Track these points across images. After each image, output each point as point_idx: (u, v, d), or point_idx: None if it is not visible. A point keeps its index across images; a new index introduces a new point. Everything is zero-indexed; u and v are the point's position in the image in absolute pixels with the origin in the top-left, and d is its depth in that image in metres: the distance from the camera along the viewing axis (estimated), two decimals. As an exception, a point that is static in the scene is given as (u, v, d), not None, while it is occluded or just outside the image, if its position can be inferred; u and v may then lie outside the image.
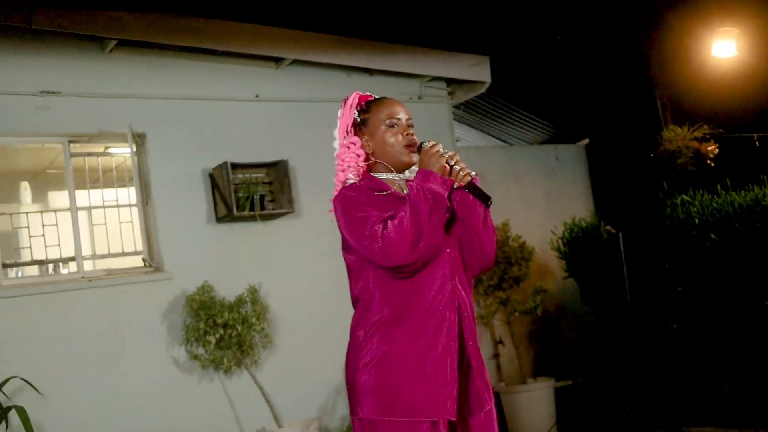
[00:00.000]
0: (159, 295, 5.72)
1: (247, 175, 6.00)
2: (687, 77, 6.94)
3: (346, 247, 2.53)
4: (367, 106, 2.63)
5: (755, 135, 6.59)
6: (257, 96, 6.43)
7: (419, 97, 7.24)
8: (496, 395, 6.46)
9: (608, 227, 6.11)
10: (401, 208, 2.36)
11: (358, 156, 2.55)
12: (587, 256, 6.84)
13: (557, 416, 6.19)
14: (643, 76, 7.33)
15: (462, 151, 7.54)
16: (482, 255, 2.57)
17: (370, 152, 2.58)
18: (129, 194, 6.09)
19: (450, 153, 2.53)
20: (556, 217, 7.52)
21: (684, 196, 5.95)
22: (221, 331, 5.46)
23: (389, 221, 2.34)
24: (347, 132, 2.58)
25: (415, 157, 2.56)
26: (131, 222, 5.96)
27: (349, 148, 2.56)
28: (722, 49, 6.64)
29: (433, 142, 2.54)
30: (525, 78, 7.88)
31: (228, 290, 5.69)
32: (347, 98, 2.66)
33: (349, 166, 2.55)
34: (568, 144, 8.31)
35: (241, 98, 6.36)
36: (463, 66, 7.23)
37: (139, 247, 5.89)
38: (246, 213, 5.87)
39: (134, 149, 5.85)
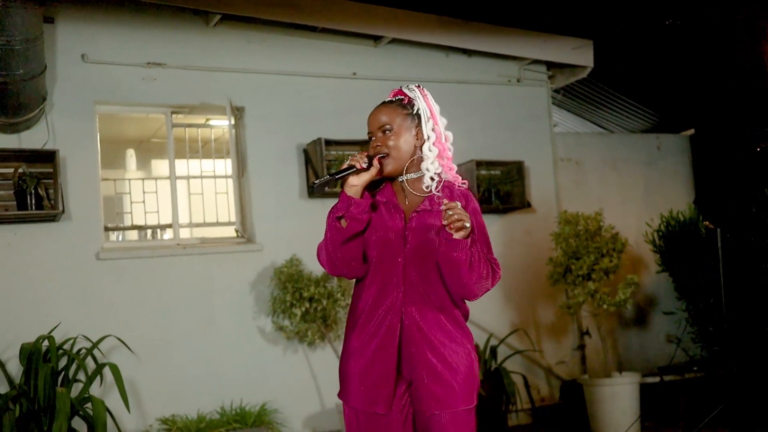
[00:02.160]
0: (249, 266, 5.88)
1: (341, 152, 6.07)
2: (804, 69, 6.56)
3: None
4: None
5: None
6: (354, 74, 6.47)
7: (518, 80, 7.13)
8: (579, 387, 6.35)
9: (707, 222, 5.87)
10: None
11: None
12: (683, 251, 6.60)
13: (642, 413, 6.03)
14: (754, 66, 6.97)
15: (559, 137, 7.40)
16: (457, 283, 2.58)
17: None
18: (226, 166, 6.25)
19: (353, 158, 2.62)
20: (654, 209, 7.28)
21: (791, 195, 5.66)
22: (307, 305, 5.57)
23: None
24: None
25: (385, 167, 2.64)
26: (226, 193, 6.13)
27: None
28: None
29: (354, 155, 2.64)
30: (629, 64, 7.63)
31: (316, 265, 5.69)
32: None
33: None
34: (672, 134, 8.02)
35: (338, 75, 6.42)
36: (565, 49, 7.07)
37: (233, 218, 6.06)
38: (338, 189, 5.90)
39: (232, 122, 6.00)
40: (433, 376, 2.56)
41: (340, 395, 2.68)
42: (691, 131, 8.11)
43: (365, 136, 6.34)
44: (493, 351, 6.17)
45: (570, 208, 6.55)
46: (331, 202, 6.42)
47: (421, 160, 2.68)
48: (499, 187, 6.72)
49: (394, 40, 6.53)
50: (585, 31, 7.00)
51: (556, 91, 7.53)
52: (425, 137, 2.66)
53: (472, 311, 6.64)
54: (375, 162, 2.61)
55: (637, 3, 6.63)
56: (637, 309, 7.04)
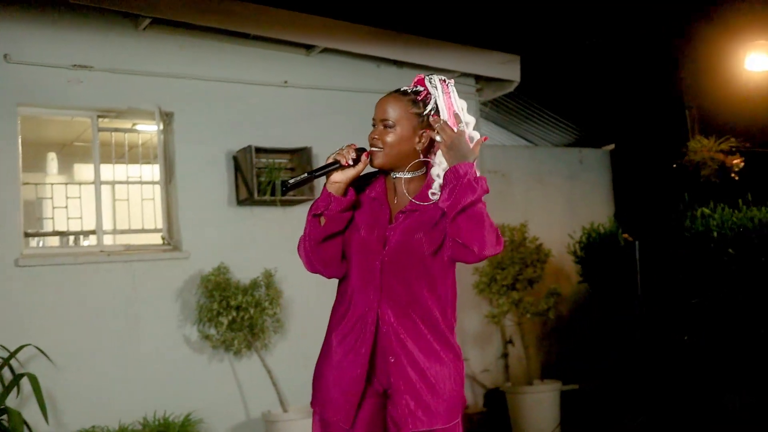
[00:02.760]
0: (175, 274, 5.80)
1: (271, 160, 6.06)
2: (717, 89, 6.87)
3: None
4: None
5: (783, 151, 6.52)
6: (286, 82, 6.47)
7: (447, 93, 7.23)
8: (502, 394, 6.48)
9: (625, 235, 6.10)
10: None
11: None
12: (603, 262, 6.82)
13: (561, 420, 6.20)
14: (672, 85, 7.27)
15: (487, 149, 7.53)
16: (473, 236, 2.34)
17: None
18: (153, 171, 6.16)
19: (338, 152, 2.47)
20: (577, 221, 7.50)
21: (705, 209, 5.92)
22: (234, 313, 5.53)
23: None
24: None
25: (374, 160, 2.49)
26: (153, 199, 6.04)
27: None
28: (755, 62, 6.57)
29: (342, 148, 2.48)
30: (554, 79, 7.85)
31: (243, 273, 5.76)
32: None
33: None
34: (593, 148, 8.28)
35: (269, 83, 6.41)
36: (493, 63, 7.23)
37: (159, 224, 5.98)
38: (267, 197, 5.93)
39: (161, 127, 5.93)
40: (412, 391, 2.40)
41: (311, 402, 2.54)
42: (612, 146, 8.38)
43: (296, 145, 6.36)
44: (420, 359, 6.23)
45: (496, 220, 6.62)
46: (262, 212, 6.42)
47: (422, 163, 2.51)
48: (427, 198, 6.80)
49: (326, 50, 6.56)
50: (512, 46, 7.17)
51: (484, 104, 7.68)
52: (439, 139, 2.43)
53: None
54: (363, 157, 2.47)
55: (563, 22, 6.84)
56: (558, 318, 7.22)
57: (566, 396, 6.40)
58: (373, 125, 2.51)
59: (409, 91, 2.51)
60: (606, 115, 8.21)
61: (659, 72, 7.29)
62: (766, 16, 6.48)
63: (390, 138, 2.46)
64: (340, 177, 2.45)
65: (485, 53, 7.17)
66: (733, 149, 6.64)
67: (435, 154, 2.50)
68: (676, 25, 6.88)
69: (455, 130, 2.40)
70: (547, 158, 7.99)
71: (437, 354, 2.43)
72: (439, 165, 2.48)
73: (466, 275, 6.72)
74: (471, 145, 2.42)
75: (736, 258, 5.46)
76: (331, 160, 2.45)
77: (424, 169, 2.53)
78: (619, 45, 7.07)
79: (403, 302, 2.44)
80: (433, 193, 2.46)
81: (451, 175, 2.35)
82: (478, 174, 2.39)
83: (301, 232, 2.52)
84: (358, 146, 2.52)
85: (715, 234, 5.64)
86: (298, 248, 2.54)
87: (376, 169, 2.56)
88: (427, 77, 2.51)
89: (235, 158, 6.13)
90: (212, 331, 5.66)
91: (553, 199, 7.80)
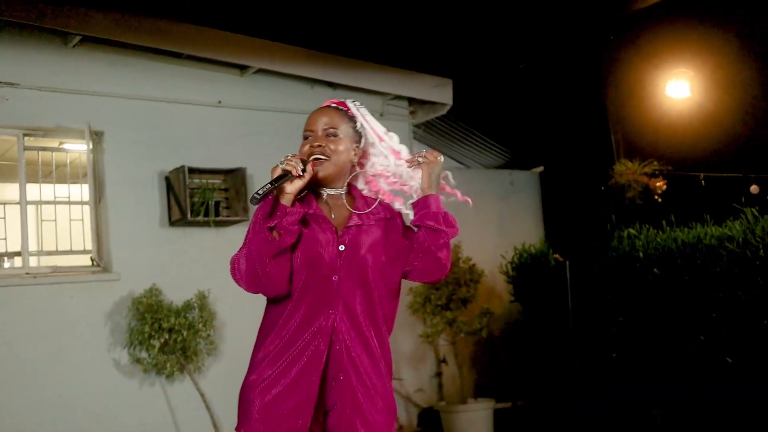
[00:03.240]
0: (105, 296, 5.67)
1: (204, 181, 6.00)
2: (641, 114, 7.14)
3: None
4: None
5: (701, 174, 6.79)
6: (219, 102, 6.44)
7: (381, 114, 7.31)
8: (436, 414, 6.52)
9: (556, 255, 6.25)
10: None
11: None
12: (534, 282, 6.97)
13: (495, 437, 6.29)
14: (599, 110, 7.52)
15: (419, 170, 7.61)
16: (436, 261, 2.57)
17: None
18: (81, 191, 6.03)
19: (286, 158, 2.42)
20: (508, 242, 7.64)
21: (630, 230, 6.11)
22: (166, 336, 5.43)
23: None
24: None
25: (319, 170, 2.46)
26: (81, 220, 5.90)
27: None
28: (676, 89, 6.86)
29: (287, 157, 2.41)
30: (485, 103, 8.01)
31: (176, 295, 5.67)
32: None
33: None
34: (523, 170, 8.46)
35: (203, 103, 6.36)
36: (426, 87, 7.33)
37: (89, 245, 5.84)
38: (200, 218, 5.87)
39: (90, 146, 5.81)
40: (357, 408, 2.38)
41: (240, 428, 2.39)
42: (541, 168, 8.58)
43: (230, 165, 6.31)
44: (355, 380, 6.23)
45: (429, 240, 6.75)
46: (195, 232, 6.32)
47: (355, 177, 2.58)
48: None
49: (260, 70, 6.56)
50: (445, 70, 7.29)
51: (417, 126, 7.78)
52: (384, 155, 2.58)
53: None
54: (309, 167, 2.42)
55: (494, 47, 7.01)
56: (490, 337, 7.31)
57: (499, 414, 6.48)
58: (307, 137, 2.49)
59: (339, 107, 2.55)
60: (535, 138, 8.41)
61: (586, 97, 7.52)
62: (685, 45, 6.78)
63: (336, 147, 2.46)
64: (290, 188, 2.38)
65: (418, 76, 7.28)
66: (656, 172, 6.90)
67: (357, 166, 2.57)
68: (602, 52, 7.13)
69: (439, 158, 2.52)
70: (479, 180, 8.12)
71: (381, 369, 2.45)
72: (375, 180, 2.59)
73: (401, 295, 6.75)
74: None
75: (661, 277, 5.65)
76: (279, 171, 2.36)
77: (347, 186, 2.56)
78: (548, 70, 7.27)
79: (358, 318, 2.42)
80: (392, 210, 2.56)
81: (437, 204, 2.56)
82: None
83: (234, 253, 2.42)
84: (300, 157, 2.47)
85: (641, 254, 5.83)
86: (234, 269, 2.40)
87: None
88: (348, 100, 2.57)
89: (167, 178, 6.05)
90: (144, 355, 5.54)
91: (484, 220, 7.91)
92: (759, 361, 5.05)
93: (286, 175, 2.35)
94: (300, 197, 2.44)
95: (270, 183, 2.33)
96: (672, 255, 5.61)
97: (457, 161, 9.27)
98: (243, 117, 6.52)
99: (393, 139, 2.65)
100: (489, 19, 6.41)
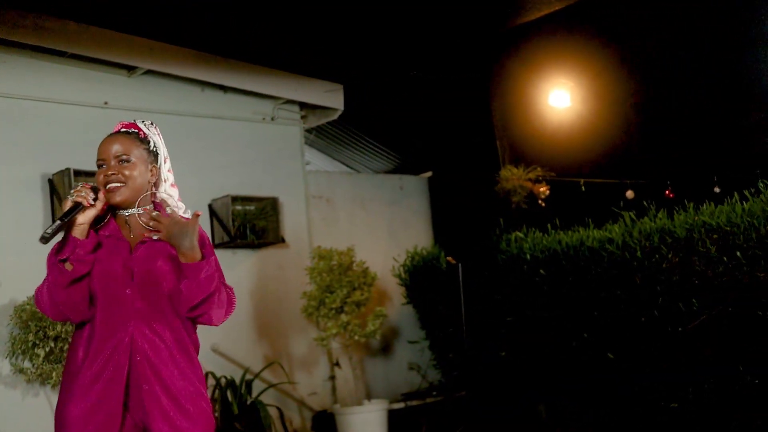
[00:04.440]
0: (-16, 304, 5.40)
1: (91, 183, 5.79)
2: (525, 122, 7.43)
3: None
4: None
5: (581, 180, 7.14)
6: (106, 103, 6.26)
7: (272, 119, 7.30)
8: (330, 416, 6.56)
9: (449, 258, 6.42)
10: None
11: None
12: (427, 285, 7.12)
13: (389, 438, 6.38)
14: (485, 117, 7.77)
15: (311, 175, 7.65)
16: (180, 302, 2.56)
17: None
18: (-43, 195, 5.71)
19: (77, 189, 2.54)
20: (399, 245, 7.77)
21: (518, 233, 6.36)
22: (52, 344, 5.22)
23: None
24: None
25: (115, 197, 2.58)
26: (-42, 224, 5.59)
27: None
28: (557, 99, 7.18)
29: (77, 188, 2.53)
30: (376, 108, 8.13)
31: (62, 302, 5.45)
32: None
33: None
34: (413, 175, 8.63)
35: (88, 104, 6.17)
36: (317, 91, 7.37)
37: (-35, 251, 5.54)
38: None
39: (-33, 147, 5.51)
40: (166, 418, 2.46)
41: None
42: (429, 173, 8.78)
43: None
44: (249, 385, 6.19)
45: (322, 244, 6.80)
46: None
47: (153, 196, 2.66)
48: (254, 222, 6.80)
49: (149, 72, 6.41)
50: (336, 75, 7.36)
51: (309, 131, 7.81)
52: (163, 178, 2.66)
53: (227, 346, 6.60)
54: (101, 195, 2.54)
55: (385, 53, 7.13)
56: (383, 339, 7.43)
57: (393, 415, 6.58)
58: (101, 165, 2.59)
59: (130, 131, 2.65)
60: (424, 143, 8.60)
61: (472, 103, 7.75)
62: (566, 56, 7.11)
63: (128, 171, 2.56)
64: (83, 219, 2.47)
65: (310, 81, 7.31)
66: (540, 178, 7.20)
67: (155, 187, 2.67)
68: (488, 60, 7.38)
69: (165, 219, 2.52)
70: (369, 184, 8.23)
71: (188, 376, 2.53)
72: (171, 199, 2.68)
73: (293, 300, 6.77)
74: (183, 218, 2.58)
75: (547, 278, 5.90)
76: (70, 203, 2.45)
77: (151, 204, 2.66)
78: (437, 77, 7.46)
79: (155, 328, 2.51)
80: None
81: (189, 272, 2.46)
82: (206, 248, 2.54)
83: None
84: (91, 185, 2.56)
85: (528, 256, 6.07)
86: (37, 300, 2.55)
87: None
88: (138, 120, 2.70)
89: (50, 181, 5.82)
90: (27, 364, 5.30)
91: (375, 224, 8.03)
92: (638, 355, 5.37)
93: (76, 207, 2.45)
94: (103, 220, 2.58)
95: (59, 219, 2.43)
96: (557, 257, 5.87)
97: (348, 166, 9.36)
98: (131, 118, 6.28)
99: (169, 175, 2.74)
100: (380, 26, 6.52)
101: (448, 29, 6.67)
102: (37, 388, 5.47)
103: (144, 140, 2.63)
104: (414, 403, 7.03)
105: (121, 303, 2.48)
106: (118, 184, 2.54)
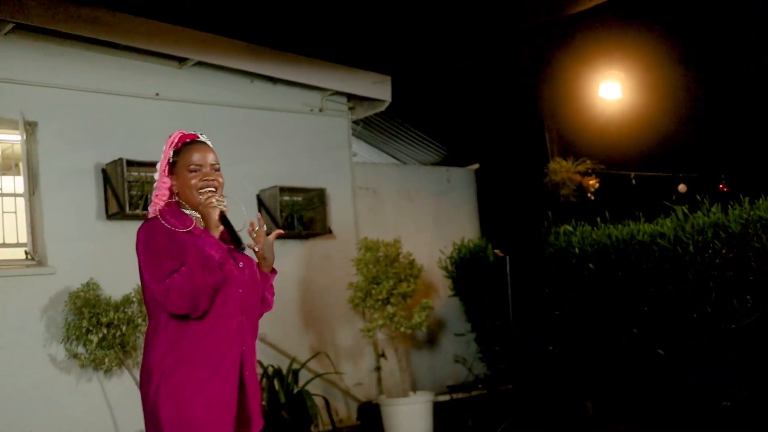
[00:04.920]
0: (39, 290, 5.54)
1: (142, 174, 5.90)
2: (575, 114, 7.34)
3: (143, 281, 2.75)
4: (180, 148, 2.83)
5: (632, 174, 7.04)
6: (157, 94, 6.35)
7: (320, 110, 7.32)
8: (376, 407, 6.58)
9: (497, 250, 6.38)
10: (186, 262, 2.62)
11: (163, 195, 2.83)
12: (473, 277, 7.09)
13: (435, 430, 6.36)
14: (534, 109, 7.69)
15: (358, 166, 7.67)
16: (263, 306, 2.95)
17: (176, 192, 2.83)
18: (15, 183, 5.85)
19: (216, 198, 2.75)
20: (445, 237, 7.75)
21: (566, 226, 6.29)
22: (104, 331, 5.34)
23: (175, 276, 2.61)
24: (163, 170, 2.83)
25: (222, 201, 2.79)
26: (15, 212, 5.73)
27: (158, 188, 2.84)
28: (608, 90, 7.07)
29: (209, 191, 2.77)
30: (423, 100, 8.10)
31: (115, 289, 5.56)
32: (171, 136, 2.87)
33: (158, 203, 2.83)
34: (460, 167, 8.59)
35: (140, 95, 6.27)
36: (366, 83, 7.38)
37: (22, 239, 5.67)
38: (139, 212, 5.78)
39: (24, 137, 5.65)
40: (256, 399, 2.82)
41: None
42: (476, 165, 8.73)
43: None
44: (295, 375, 6.24)
45: (368, 235, 6.82)
46: (133, 226, 6.21)
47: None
48: (302, 213, 6.84)
49: (199, 63, 6.49)
50: (384, 67, 7.35)
51: (356, 122, 7.82)
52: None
53: (274, 335, 6.64)
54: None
55: (433, 45, 7.11)
56: (428, 331, 7.42)
57: (438, 407, 6.57)
58: (195, 170, 2.77)
59: (208, 143, 2.87)
60: (472, 135, 8.55)
61: (521, 96, 7.69)
62: (617, 48, 7.01)
63: (221, 179, 2.84)
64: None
65: (358, 73, 7.31)
66: (589, 171, 7.11)
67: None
68: (537, 52, 7.30)
69: (262, 233, 2.89)
70: (416, 176, 8.21)
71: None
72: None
73: (340, 290, 6.80)
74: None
75: (596, 272, 5.83)
76: (218, 210, 2.70)
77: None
78: (485, 69, 7.41)
79: (254, 324, 2.88)
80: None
81: (267, 280, 2.94)
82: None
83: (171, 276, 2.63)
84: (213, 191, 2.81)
85: (577, 250, 6.00)
86: (174, 294, 2.59)
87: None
88: (201, 136, 2.88)
89: (104, 171, 5.93)
90: (81, 350, 5.43)
91: (421, 216, 8.01)
92: (688, 352, 5.28)
93: (223, 214, 2.74)
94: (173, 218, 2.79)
95: (234, 229, 2.72)
96: (606, 251, 5.80)
97: (395, 157, 9.36)
98: (181, 110, 6.44)
99: None
100: (428, 17, 6.49)
101: (498, 20, 6.62)
102: (90, 373, 5.59)
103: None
104: (459, 395, 7.01)
105: (236, 299, 2.75)
106: (214, 189, 2.78)
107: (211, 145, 2.87)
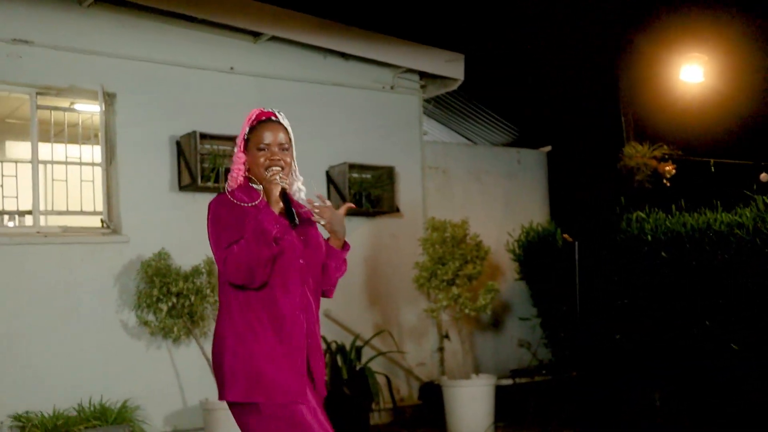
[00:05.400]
0: (114, 258, 5.69)
1: (215, 147, 5.99)
2: (653, 97, 7.12)
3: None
4: (255, 126, 2.87)
5: (711, 160, 6.80)
6: (232, 68, 6.41)
7: (392, 87, 7.29)
8: (438, 388, 6.58)
9: (566, 235, 6.26)
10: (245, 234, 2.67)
11: (239, 170, 2.87)
12: (541, 261, 6.98)
13: (496, 414, 6.32)
14: (610, 91, 7.49)
15: (428, 145, 7.62)
16: (324, 279, 2.93)
17: (248, 167, 2.87)
18: (93, 153, 6.01)
19: (279, 176, 2.78)
20: (514, 220, 7.65)
21: (639, 213, 6.12)
22: (174, 300, 5.46)
23: (234, 246, 2.66)
24: (239, 145, 2.87)
25: (285, 179, 2.82)
26: (92, 181, 5.89)
27: (235, 162, 2.89)
28: (690, 74, 6.84)
29: (275, 169, 2.78)
30: (496, 80, 7.98)
31: (185, 259, 5.68)
32: (250, 112, 2.90)
33: (234, 177, 2.87)
34: (531, 149, 8.46)
35: (215, 69, 6.34)
36: (438, 61, 7.30)
37: (99, 207, 5.84)
38: (210, 184, 5.87)
39: (103, 108, 5.78)
40: (319, 368, 2.83)
41: (283, 398, 2.67)
42: (548, 148, 8.57)
43: (239, 132, 6.20)
44: (358, 352, 6.28)
45: (436, 215, 6.78)
46: (205, 198, 6.33)
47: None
48: (370, 191, 6.84)
49: (273, 38, 6.52)
50: (457, 45, 7.26)
51: (427, 100, 7.75)
52: (294, 166, 2.93)
53: (338, 312, 6.67)
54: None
55: (508, 24, 6.98)
56: (493, 314, 7.37)
57: (500, 390, 6.53)
58: (263, 149, 2.80)
59: (281, 122, 2.88)
60: (544, 117, 8.39)
61: (598, 78, 7.49)
62: (700, 30, 6.75)
63: (288, 159, 2.86)
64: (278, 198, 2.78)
65: (431, 50, 7.24)
66: (666, 156, 6.90)
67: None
68: (615, 34, 7.09)
69: (326, 208, 2.87)
70: (486, 157, 8.12)
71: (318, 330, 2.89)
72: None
73: (405, 270, 6.79)
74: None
75: (669, 261, 5.67)
76: (279, 187, 2.73)
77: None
78: (560, 50, 7.24)
79: (316, 295, 2.87)
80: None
81: (337, 254, 2.95)
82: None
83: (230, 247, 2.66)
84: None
85: (649, 238, 5.84)
86: (231, 265, 2.64)
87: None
88: (277, 113, 2.89)
89: (178, 143, 6.04)
90: (151, 318, 5.57)
91: (490, 197, 7.92)
92: (765, 349, 5.10)
93: (288, 197, 2.77)
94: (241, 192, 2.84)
95: (291, 208, 2.74)
96: (681, 240, 5.62)
97: (465, 137, 9.27)
98: (255, 84, 6.50)
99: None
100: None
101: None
102: (159, 340, 5.73)
103: (288, 132, 2.89)
104: (522, 380, 6.94)
105: (297, 270, 2.78)
106: (280, 169, 2.79)
107: (287, 124, 2.90)
